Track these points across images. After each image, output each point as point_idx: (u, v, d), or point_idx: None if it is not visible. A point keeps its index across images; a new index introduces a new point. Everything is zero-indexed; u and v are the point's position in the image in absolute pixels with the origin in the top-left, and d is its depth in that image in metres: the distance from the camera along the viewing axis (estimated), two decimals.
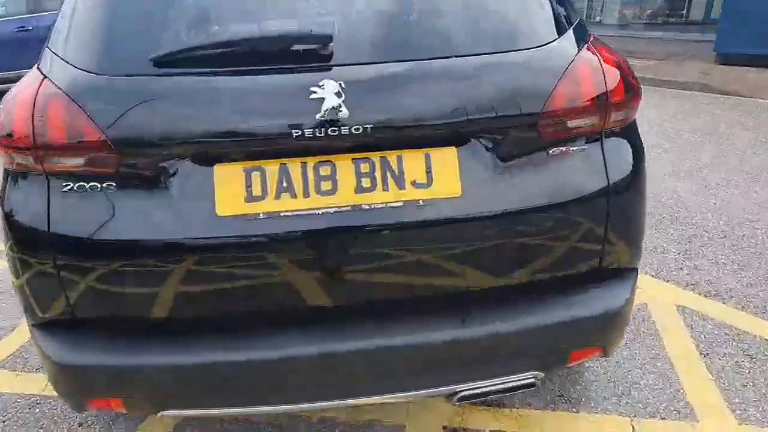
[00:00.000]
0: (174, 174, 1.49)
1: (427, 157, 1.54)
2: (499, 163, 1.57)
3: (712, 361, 2.48)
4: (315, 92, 1.43)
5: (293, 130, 1.43)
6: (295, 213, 1.49)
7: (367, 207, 1.50)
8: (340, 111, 1.43)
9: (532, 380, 1.70)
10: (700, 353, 2.52)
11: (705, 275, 3.10)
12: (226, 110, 1.47)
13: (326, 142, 1.46)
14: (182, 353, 1.51)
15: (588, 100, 1.59)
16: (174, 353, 1.52)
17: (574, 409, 2.23)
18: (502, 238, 1.58)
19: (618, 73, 1.64)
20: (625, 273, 1.77)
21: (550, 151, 1.60)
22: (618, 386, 2.34)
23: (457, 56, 1.54)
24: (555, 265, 1.65)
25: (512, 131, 1.56)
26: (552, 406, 2.25)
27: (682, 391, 2.32)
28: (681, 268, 3.16)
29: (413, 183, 1.52)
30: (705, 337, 2.63)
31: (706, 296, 2.92)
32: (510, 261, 1.61)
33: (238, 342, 1.53)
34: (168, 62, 1.50)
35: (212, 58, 1.50)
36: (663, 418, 2.19)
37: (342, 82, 1.44)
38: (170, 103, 1.48)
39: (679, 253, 3.31)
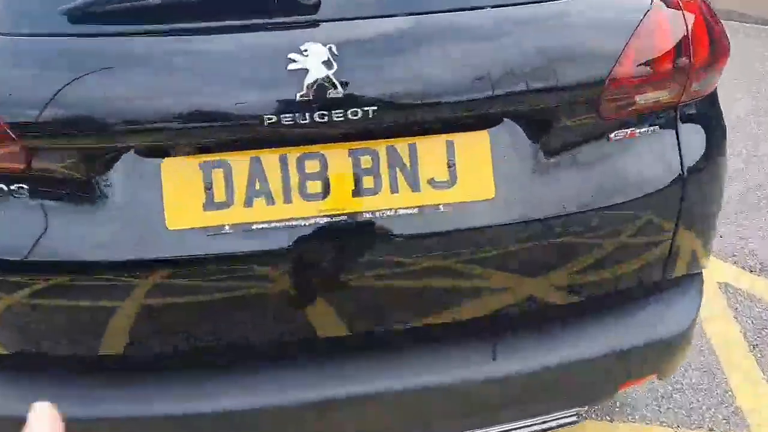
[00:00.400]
0: (107, 173, 1.09)
1: (450, 145, 1.14)
2: (545, 153, 1.17)
3: (762, 355, 2.16)
4: (294, 61, 1.02)
5: (265, 116, 1.03)
6: (272, 224, 1.11)
7: (370, 215, 1.12)
8: (331, 88, 1.02)
9: (574, 418, 1.37)
10: (749, 344, 2.21)
11: (748, 244, 2.74)
12: (172, 84, 1.06)
13: (313, 129, 1.05)
14: (125, 404, 1.16)
15: (666, 64, 1.18)
16: (118, 404, 1.17)
17: (607, 418, 1.93)
18: (545, 252, 1.21)
19: (703, 25, 1.22)
20: (691, 282, 1.41)
21: (612, 135, 1.20)
22: (658, 387, 2.03)
23: (490, 7, 1.11)
24: (608, 281, 1.28)
25: (564, 109, 1.16)
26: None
27: (730, 392, 2.01)
28: (721, 236, 2.80)
29: (431, 182, 1.13)
30: (752, 323, 2.30)
31: (751, 271, 2.57)
32: (553, 279, 1.24)
33: (203, 390, 1.18)
34: (91, 16, 1.08)
35: (151, 12, 1.08)
36: (711, 429, 1.89)
37: (333, 46, 1.02)
38: (96, 74, 1.06)
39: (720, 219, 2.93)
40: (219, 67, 1.04)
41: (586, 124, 1.18)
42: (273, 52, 1.02)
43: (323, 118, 1.03)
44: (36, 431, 0.38)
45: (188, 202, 1.10)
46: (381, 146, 1.12)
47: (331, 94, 1.02)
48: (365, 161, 1.12)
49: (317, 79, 1.01)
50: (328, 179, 1.11)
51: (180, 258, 1.10)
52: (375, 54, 1.05)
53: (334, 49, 1.02)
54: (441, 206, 1.14)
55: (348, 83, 1.02)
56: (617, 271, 1.28)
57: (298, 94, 1.01)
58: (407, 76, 1.07)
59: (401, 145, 1.13)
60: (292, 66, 1.01)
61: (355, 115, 1.03)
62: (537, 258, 1.21)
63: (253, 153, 1.10)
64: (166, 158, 1.10)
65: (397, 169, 1.13)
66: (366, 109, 1.03)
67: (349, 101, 1.03)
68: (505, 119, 1.14)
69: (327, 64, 1.01)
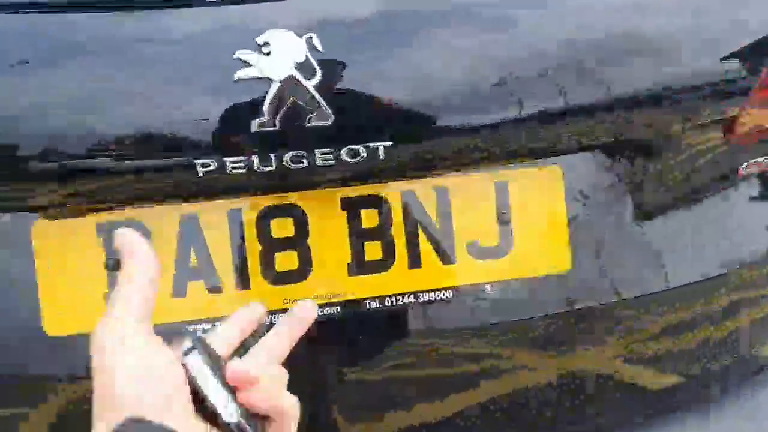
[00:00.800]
0: None
1: (501, 188, 0.72)
2: (647, 198, 0.75)
3: None
4: (247, 64, 0.57)
5: (197, 161, 0.59)
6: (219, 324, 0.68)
7: (376, 304, 0.70)
8: (313, 111, 0.58)
9: None
10: None
11: None
12: (37, 92, 0.61)
13: (282, 178, 0.62)
14: None
15: None
16: None
17: None
18: (634, 340, 0.80)
19: None
20: None
21: (742, 167, 0.78)
22: None
23: None
24: (715, 371, 0.89)
25: (681, 132, 0.74)
26: None
27: None
28: None
29: (472, 247, 0.72)
30: None
31: None
32: (639, 376, 0.84)
33: None
34: None
35: None
36: None
37: (313, 37, 0.58)
38: None
39: None
40: (116, 69, 0.60)
41: (709, 154, 0.76)
42: (207, 47, 0.58)
43: (300, 163, 0.60)
44: (137, 260, 0.39)
45: (80, 290, 0.67)
46: (393, 192, 0.70)
47: (314, 121, 0.58)
48: (368, 217, 0.70)
49: (288, 95, 0.57)
50: (308, 248, 0.69)
51: (68, 376, 0.68)
52: (386, 50, 0.61)
53: (315, 41, 0.58)
54: (487, 286, 0.72)
55: (343, 103, 0.59)
56: (728, 357, 0.89)
57: (255, 123, 0.58)
58: (439, 83, 0.64)
59: (425, 188, 0.70)
60: (242, 72, 0.57)
61: (355, 156, 0.60)
62: (623, 350, 0.80)
63: (185, 207, 0.67)
64: (39, 217, 0.66)
65: (420, 228, 0.71)
66: (373, 145, 0.60)
67: (345, 134, 0.59)
68: (588, 147, 0.72)
69: (304, 69, 0.57)
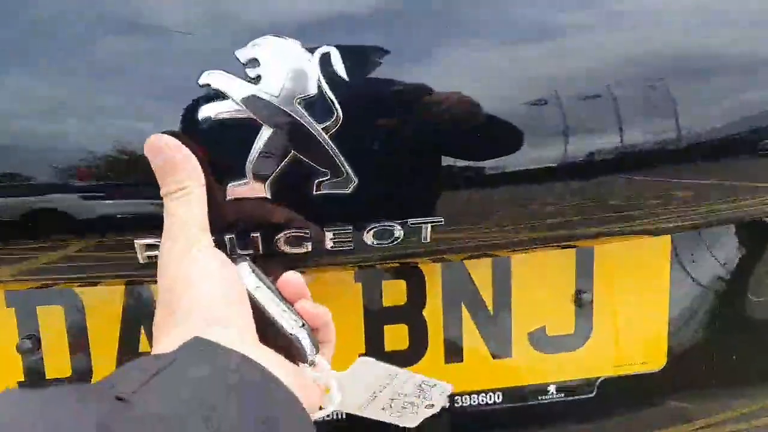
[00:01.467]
0: None
1: (584, 258, 0.51)
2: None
3: None
4: (222, 95, 0.35)
5: (137, 242, 0.38)
6: None
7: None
8: (327, 172, 0.36)
9: None
10: None
11: None
12: None
13: (273, 261, 0.41)
14: None
15: None
16: None
17: None
18: None
19: None
20: None
21: None
22: None
23: None
24: None
25: None
26: None
27: None
28: None
29: (537, 337, 0.52)
30: None
31: None
32: None
33: None
34: None
35: None
36: None
37: (330, 53, 0.35)
38: None
39: None
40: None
41: None
42: (153, 62, 0.35)
43: (300, 247, 0.38)
44: (179, 168, 0.34)
45: None
46: (432, 268, 0.49)
47: (326, 188, 0.36)
48: (391, 292, 0.50)
49: (287, 147, 0.35)
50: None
51: None
52: (446, 71, 0.38)
53: (336, 60, 0.35)
54: (552, 387, 0.53)
55: (373, 160, 0.37)
56: None
57: (233, 188, 0.36)
58: (517, 126, 0.41)
59: (476, 261, 0.49)
60: (211, 108, 0.35)
61: (385, 238, 0.39)
62: None
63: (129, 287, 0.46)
64: None
65: (464, 310, 0.51)
66: (415, 222, 0.39)
67: (373, 207, 0.38)
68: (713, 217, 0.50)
69: (315, 106, 0.35)
